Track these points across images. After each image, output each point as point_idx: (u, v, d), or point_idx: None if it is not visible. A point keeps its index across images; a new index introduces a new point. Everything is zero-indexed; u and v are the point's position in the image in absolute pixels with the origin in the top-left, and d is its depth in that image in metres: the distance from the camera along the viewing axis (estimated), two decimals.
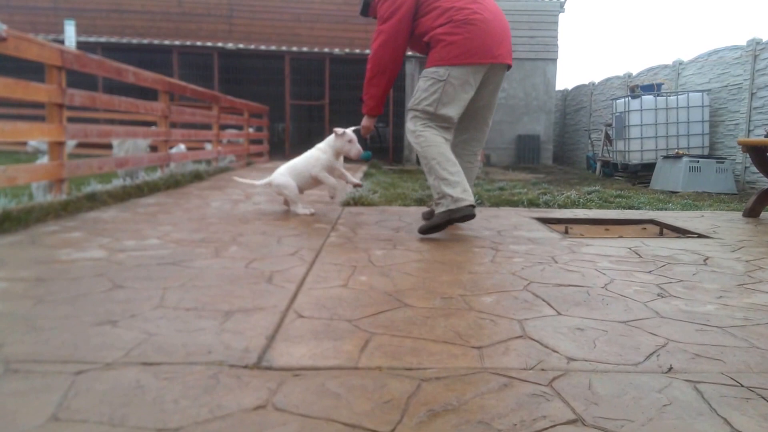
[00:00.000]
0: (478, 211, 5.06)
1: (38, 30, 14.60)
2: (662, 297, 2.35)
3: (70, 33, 9.42)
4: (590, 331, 1.91)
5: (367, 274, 2.63)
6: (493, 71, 3.74)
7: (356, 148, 4.31)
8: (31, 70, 4.18)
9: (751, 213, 5.10)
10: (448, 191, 3.46)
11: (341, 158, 4.53)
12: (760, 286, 2.61)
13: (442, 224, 3.54)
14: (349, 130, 4.37)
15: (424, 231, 3.60)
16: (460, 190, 3.48)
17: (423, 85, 3.66)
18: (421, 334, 1.83)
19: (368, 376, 1.51)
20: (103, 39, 14.53)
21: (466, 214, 3.47)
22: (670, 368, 1.61)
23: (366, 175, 9.09)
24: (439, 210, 3.53)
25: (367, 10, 4.00)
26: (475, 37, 3.54)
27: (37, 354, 1.59)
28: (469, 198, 3.49)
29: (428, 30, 3.63)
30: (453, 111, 3.64)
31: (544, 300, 2.28)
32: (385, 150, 15.33)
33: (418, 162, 15.04)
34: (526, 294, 2.36)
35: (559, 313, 2.10)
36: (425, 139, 3.60)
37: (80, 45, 11.36)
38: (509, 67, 3.81)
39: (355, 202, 5.21)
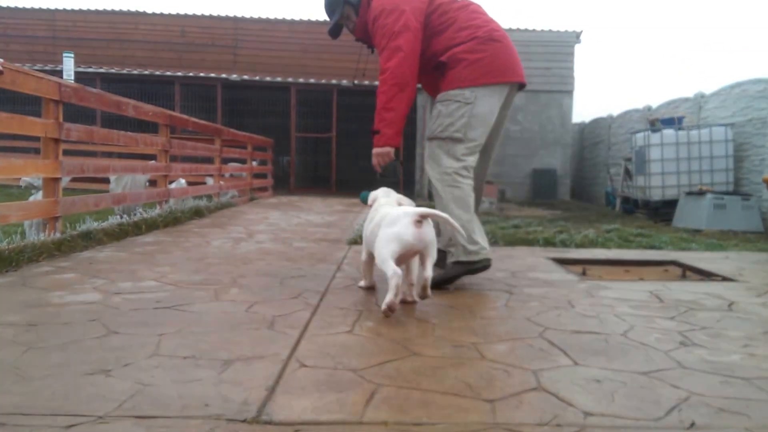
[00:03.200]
0: (492, 250, 5.05)
1: (36, 60, 14.91)
2: (685, 345, 2.34)
3: (69, 66, 9.66)
4: (608, 383, 1.90)
5: (374, 319, 2.63)
6: (512, 92, 3.58)
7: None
8: (28, 100, 4.26)
9: None
10: (461, 240, 3.25)
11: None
12: None
13: (457, 277, 3.39)
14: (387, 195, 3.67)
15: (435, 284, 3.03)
16: (479, 237, 3.37)
17: (445, 110, 3.40)
18: (430, 386, 1.83)
19: None
20: (102, 69, 14.80)
21: (483, 266, 3.39)
22: (693, 424, 1.60)
23: None
24: (451, 260, 3.38)
25: (338, 31, 3.78)
26: (500, 54, 3.41)
27: (25, 406, 1.59)
28: (485, 248, 3.39)
29: (445, 48, 3.43)
30: (481, 135, 3.44)
31: (560, 348, 2.27)
32: (395, 184, 15.35)
33: (429, 196, 15.04)
34: (542, 342, 2.36)
35: (576, 363, 2.09)
36: (453, 180, 3.37)
37: (79, 75, 11.56)
38: (523, 86, 3.64)
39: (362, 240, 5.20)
